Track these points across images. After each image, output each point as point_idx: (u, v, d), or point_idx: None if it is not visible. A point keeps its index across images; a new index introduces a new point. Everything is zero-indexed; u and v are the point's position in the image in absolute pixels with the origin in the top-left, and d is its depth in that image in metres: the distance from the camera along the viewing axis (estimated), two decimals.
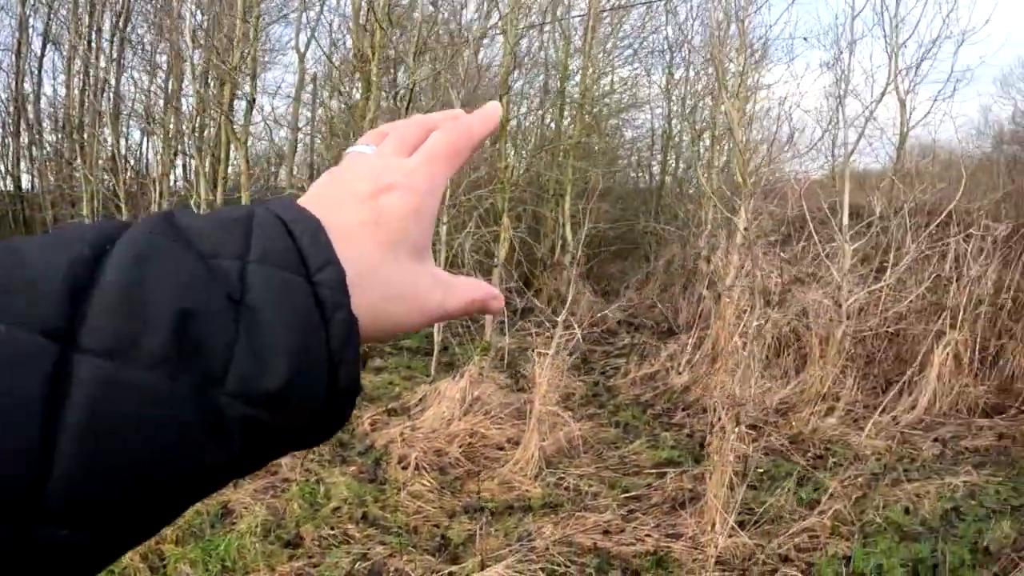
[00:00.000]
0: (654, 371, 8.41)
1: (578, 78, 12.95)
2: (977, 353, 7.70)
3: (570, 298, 7.30)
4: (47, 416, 0.37)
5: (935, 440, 6.72)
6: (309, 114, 13.73)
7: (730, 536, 4.53)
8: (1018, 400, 7.40)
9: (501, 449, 6.04)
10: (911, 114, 10.52)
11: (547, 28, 12.61)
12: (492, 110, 0.64)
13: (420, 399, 6.79)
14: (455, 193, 8.25)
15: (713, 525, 4.62)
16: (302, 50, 11.96)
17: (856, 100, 11.63)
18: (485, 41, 11.99)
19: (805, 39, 11.67)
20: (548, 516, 4.93)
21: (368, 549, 4.53)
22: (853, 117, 8.98)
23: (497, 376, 7.45)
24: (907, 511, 5.19)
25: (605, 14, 13.02)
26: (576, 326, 7.69)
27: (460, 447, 5.96)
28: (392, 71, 10.53)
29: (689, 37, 13.19)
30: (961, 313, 7.65)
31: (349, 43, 11.73)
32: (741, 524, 4.78)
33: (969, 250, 8.06)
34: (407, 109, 8.58)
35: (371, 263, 0.52)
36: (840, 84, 9.06)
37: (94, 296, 0.40)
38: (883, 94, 9.01)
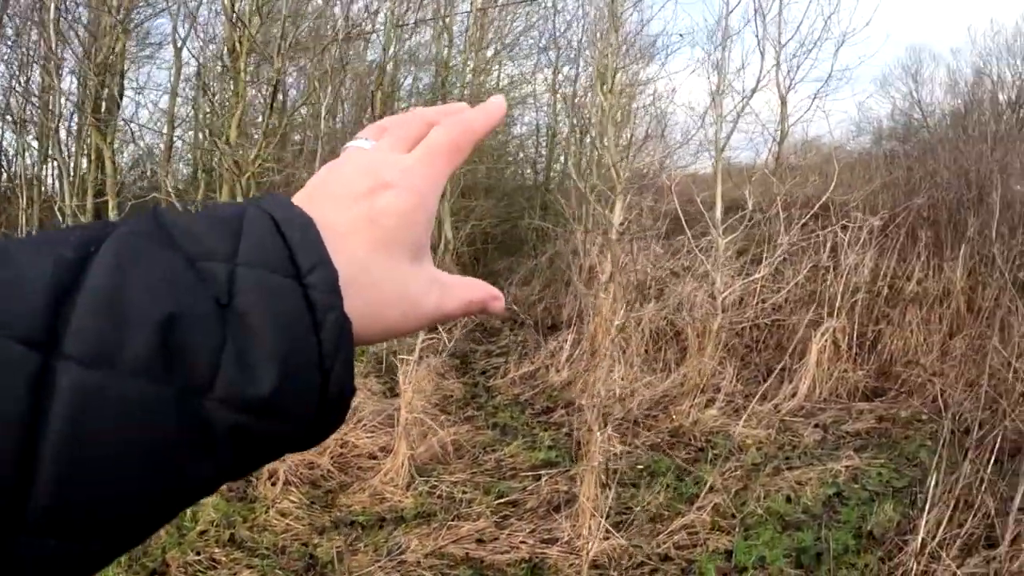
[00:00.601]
0: (534, 369, 8.28)
1: (463, 75, 12.75)
2: (855, 339, 7.85)
3: None
4: (29, 424, 0.37)
5: (816, 426, 6.79)
6: (192, 112, 13.12)
7: (605, 539, 4.38)
8: (897, 383, 7.56)
9: (374, 458, 5.81)
10: (791, 111, 10.68)
11: (433, 25, 12.36)
12: (496, 105, 0.62)
13: None
14: None
15: (588, 529, 4.42)
16: (179, 44, 11.36)
17: (733, 97, 11.81)
18: (374, 37, 11.66)
19: (681, 35, 11.83)
20: (420, 527, 4.75)
21: (234, 574, 4.30)
22: (728, 112, 9.05)
23: (370, 382, 7.15)
24: (789, 500, 5.17)
25: (492, 11, 12.86)
26: (459, 326, 7.48)
27: (332, 458, 5.71)
28: (260, 66, 10.12)
29: (575, 34, 13.18)
30: (838, 301, 7.75)
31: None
32: (618, 525, 4.67)
33: (846, 240, 8.20)
34: (270, 106, 8.20)
35: (365, 264, 0.51)
36: (717, 81, 9.14)
37: (78, 301, 0.39)
38: (754, 90, 9.16)
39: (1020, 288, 7.43)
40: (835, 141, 14.87)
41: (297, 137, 11.56)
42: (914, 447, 6.30)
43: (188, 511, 4.70)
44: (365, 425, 6.17)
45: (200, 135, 11.75)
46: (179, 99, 11.62)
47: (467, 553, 4.40)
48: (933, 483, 4.44)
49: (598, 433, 4.89)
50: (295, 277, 0.44)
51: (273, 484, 5.19)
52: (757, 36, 9.69)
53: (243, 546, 4.49)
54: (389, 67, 11.05)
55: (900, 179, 11.26)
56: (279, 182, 8.49)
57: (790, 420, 6.91)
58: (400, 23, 10.66)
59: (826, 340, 7.48)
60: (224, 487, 5.18)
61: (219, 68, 10.00)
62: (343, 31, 8.95)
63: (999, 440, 4.63)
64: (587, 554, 4.16)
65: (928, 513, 4.31)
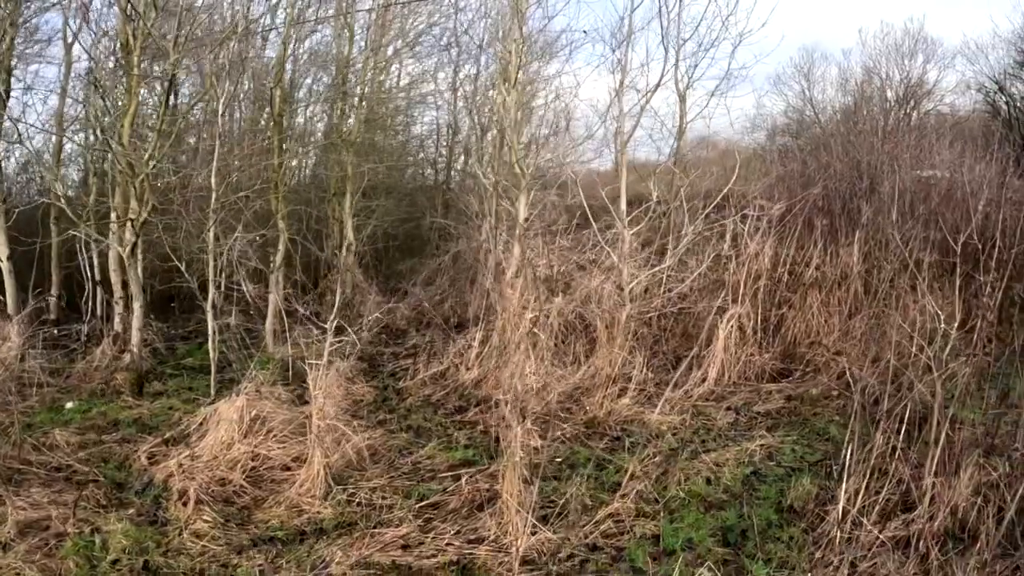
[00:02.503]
0: (444, 369, 8.20)
1: (363, 74, 12.52)
2: (759, 324, 8.05)
3: (337, 301, 6.85)
4: None
5: (728, 409, 6.96)
6: (83, 111, 12.43)
7: (533, 533, 4.33)
8: (802, 363, 7.82)
9: (288, 469, 5.60)
10: (689, 108, 10.87)
11: (333, 22, 12.09)
12: None
13: (200, 424, 6.18)
14: (223, 194, 7.64)
15: (514, 525, 4.37)
16: (70, 40, 10.73)
17: (636, 93, 11.97)
18: (273, 35, 11.31)
19: (584, 32, 11.92)
20: (342, 537, 4.59)
21: None
22: (632, 110, 9.17)
23: (278, 390, 6.93)
24: (708, 481, 5.26)
25: (394, 9, 12.67)
26: (365, 329, 7.35)
27: (243, 473, 5.47)
28: (154, 64, 9.69)
29: (477, 32, 13.14)
30: (741, 288, 7.92)
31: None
32: (544, 519, 4.65)
33: (746, 230, 8.39)
34: (165, 102, 7.87)
35: None
36: (620, 78, 9.22)
37: None
38: (656, 87, 9.29)
39: (912, 270, 7.74)
40: (732, 137, 15.30)
41: (192, 140, 11.14)
42: (823, 423, 6.54)
43: (97, 540, 4.43)
44: (276, 435, 5.93)
45: (92, 136, 11.17)
46: (69, 99, 11.03)
47: (394, 560, 4.27)
48: (848, 454, 4.58)
49: (517, 428, 4.84)
50: None
51: (184, 504, 4.92)
52: (662, 34, 9.85)
53: (159, 573, 4.25)
54: (288, 65, 10.76)
55: (796, 171, 11.63)
56: (175, 183, 8.15)
57: (702, 405, 7.06)
58: (300, 20, 10.40)
59: (731, 326, 7.66)
60: (133, 510, 4.92)
61: (111, 64, 9.53)
62: (241, 25, 8.67)
63: (907, 411, 4.80)
64: (517, 551, 4.10)
65: (846, 483, 4.44)
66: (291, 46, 10.37)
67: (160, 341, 9.21)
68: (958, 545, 4.18)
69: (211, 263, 7.60)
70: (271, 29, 10.45)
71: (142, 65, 8.10)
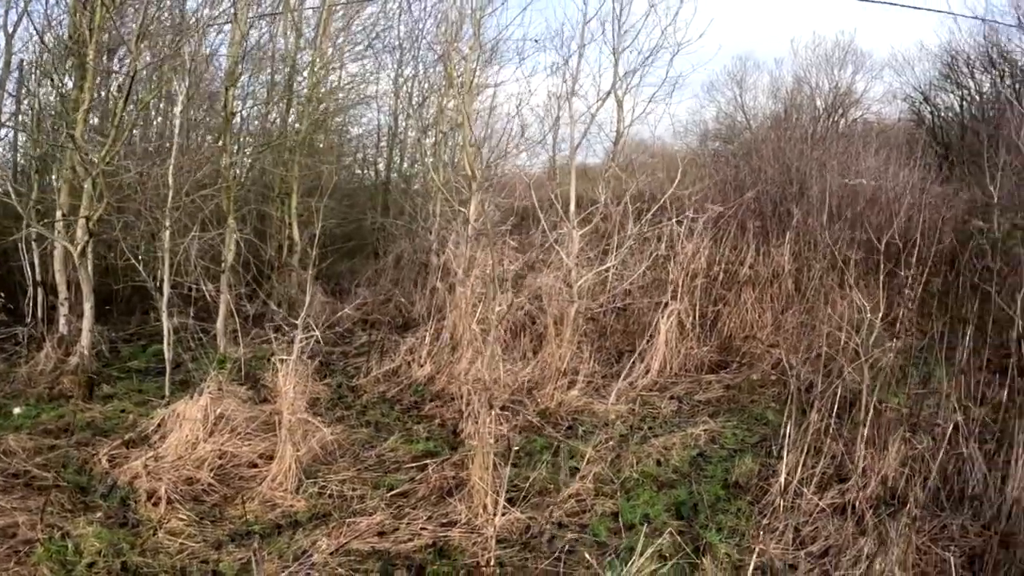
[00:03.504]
0: (396, 366, 8.40)
1: (307, 73, 12.54)
2: (698, 319, 8.47)
3: (308, 299, 7.05)
4: None
5: (671, 398, 7.38)
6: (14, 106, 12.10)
7: (503, 514, 4.61)
8: (738, 355, 8.27)
9: (255, 466, 5.73)
10: (628, 114, 11.22)
11: (277, 19, 12.07)
12: None
13: (158, 425, 6.26)
14: (178, 194, 7.69)
15: (485, 507, 4.66)
16: (10, 30, 10.49)
17: (581, 100, 12.28)
18: (213, 29, 11.24)
19: (535, 41, 12.17)
20: (319, 528, 4.76)
21: None
22: (578, 115, 9.48)
23: (238, 389, 7.06)
24: (659, 463, 5.64)
25: (339, 8, 12.71)
26: (320, 328, 7.50)
27: (211, 471, 5.57)
28: (108, 57, 9.60)
29: (423, 34, 13.25)
30: (680, 286, 8.33)
31: (67, 23, 10.39)
32: (511, 501, 4.91)
33: (683, 232, 8.82)
34: (126, 98, 7.84)
35: None
36: (567, 85, 9.53)
37: None
38: (608, 95, 9.59)
39: (840, 267, 8.30)
40: (667, 142, 15.73)
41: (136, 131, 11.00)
42: (761, 409, 7.02)
43: (70, 544, 4.46)
44: (240, 433, 6.06)
45: (36, 132, 10.96)
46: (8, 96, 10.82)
47: (372, 547, 4.48)
48: (785, 433, 5.03)
49: (486, 415, 5.14)
50: None
51: (155, 505, 5.01)
52: (612, 46, 10.19)
53: (138, 572, 4.35)
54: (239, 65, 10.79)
55: (729, 176, 12.15)
56: (132, 180, 8.11)
57: (647, 395, 7.47)
58: (255, 15, 10.42)
59: (671, 321, 8.08)
60: (100, 513, 4.94)
61: (53, 58, 9.39)
62: (205, 21, 8.66)
63: (837, 394, 5.29)
64: (493, 528, 4.40)
65: (786, 458, 4.90)
66: (244, 44, 10.38)
67: (104, 344, 9.14)
68: (889, 508, 4.66)
69: (166, 263, 7.64)
70: (227, 22, 10.39)
71: (98, 59, 8.04)
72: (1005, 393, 5.81)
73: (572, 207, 8.53)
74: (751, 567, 3.77)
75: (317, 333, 6.65)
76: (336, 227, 13.13)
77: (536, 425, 6.69)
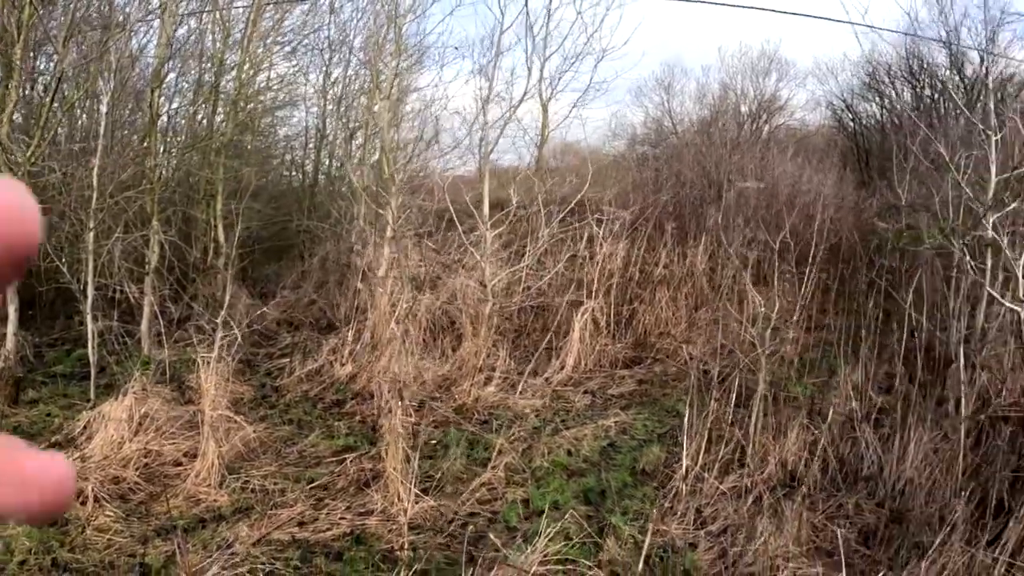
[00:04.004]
0: (319, 366, 8.50)
1: (234, 73, 12.45)
2: (613, 317, 8.76)
3: (227, 299, 7.13)
4: None
5: (585, 392, 7.65)
6: None
7: (416, 503, 4.80)
8: (652, 351, 8.57)
9: (179, 464, 5.83)
10: (552, 118, 11.48)
11: (205, 18, 11.98)
12: None
13: (84, 426, 6.30)
14: (102, 196, 7.68)
15: (399, 497, 4.85)
16: None
17: (502, 105, 12.51)
18: (140, 27, 11.10)
19: (456, 48, 12.36)
20: (241, 521, 4.90)
21: None
22: (496, 120, 9.67)
23: (162, 390, 7.11)
24: (570, 453, 5.88)
25: (268, 7, 12.65)
26: (236, 328, 7.56)
27: (137, 470, 5.65)
28: (35, 56, 9.46)
29: (350, 37, 13.29)
30: (595, 285, 8.61)
31: None
32: (425, 491, 5.13)
33: (601, 232, 9.10)
34: (52, 97, 7.78)
35: None
36: (487, 90, 9.72)
37: None
38: (521, 100, 9.83)
39: (752, 268, 8.69)
40: (592, 145, 16.03)
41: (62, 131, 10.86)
42: (672, 402, 7.33)
43: (1, 544, 4.52)
44: (164, 432, 6.14)
45: None
46: None
47: (292, 536, 4.65)
48: (687, 422, 5.33)
49: (398, 408, 5.32)
50: None
51: (83, 503, 5.07)
52: (526, 52, 10.42)
53: (69, 568, 4.43)
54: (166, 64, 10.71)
55: (649, 179, 12.51)
56: (56, 182, 8.05)
57: (561, 389, 7.74)
58: (183, 13, 10.36)
59: (586, 319, 8.37)
60: None
61: None
62: (133, 19, 8.59)
63: (737, 385, 5.61)
64: (406, 514, 4.60)
65: (686, 446, 5.19)
66: (172, 45, 10.34)
67: (29, 349, 9.05)
68: (786, 489, 5.01)
69: (90, 265, 7.63)
70: (154, 18, 10.31)
71: (25, 57, 7.96)
72: (897, 381, 6.21)
73: (486, 209, 8.74)
74: (646, 545, 4.02)
75: (237, 332, 6.73)
76: (262, 229, 13.06)
77: (453, 420, 6.89)
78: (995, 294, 5.14)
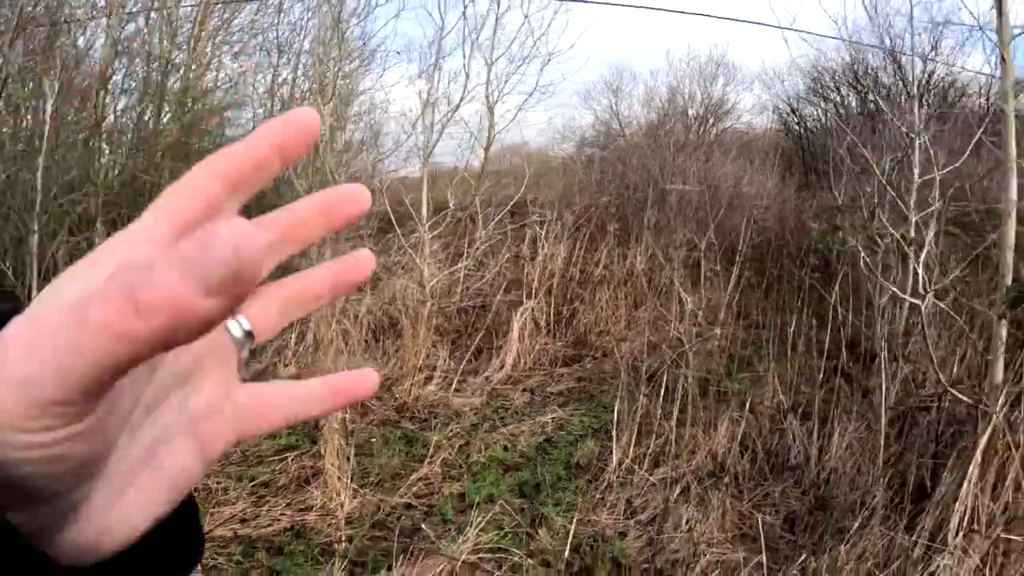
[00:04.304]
0: (263, 368, 8.52)
1: (181, 72, 12.31)
2: (553, 317, 8.92)
3: None
4: None
5: (524, 390, 7.78)
6: None
7: (354, 498, 4.90)
8: (591, 350, 8.75)
9: None
10: (497, 120, 11.58)
11: (152, 17, 11.85)
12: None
13: None
14: (47, 198, 7.63)
15: (338, 492, 4.95)
16: None
17: (440, 108, 12.58)
18: (87, 26, 10.92)
19: (398, 53, 12.38)
20: None
21: None
22: (437, 121, 9.77)
23: None
24: (506, 448, 6.03)
25: (217, 6, 12.53)
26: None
27: None
28: None
29: (300, 38, 13.26)
30: (536, 285, 8.76)
31: None
32: (363, 486, 5.22)
33: (543, 233, 9.26)
34: None
35: None
36: (427, 93, 9.82)
37: None
38: (459, 104, 9.93)
39: (691, 268, 8.92)
40: (542, 147, 16.15)
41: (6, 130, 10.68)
42: (608, 399, 7.47)
43: None
44: None
45: None
46: None
47: (234, 532, 4.73)
48: (616, 416, 5.52)
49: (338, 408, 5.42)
50: None
51: None
52: (464, 56, 10.51)
53: None
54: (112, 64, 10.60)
55: (594, 180, 12.69)
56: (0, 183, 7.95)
57: (500, 388, 7.88)
58: (129, 11, 10.27)
59: (526, 318, 8.53)
60: None
61: None
62: (81, 16, 8.48)
63: (667, 381, 5.80)
64: (343, 509, 4.70)
65: (615, 439, 5.37)
66: (117, 45, 10.24)
67: None
68: (713, 479, 5.23)
69: (34, 268, 7.59)
70: (101, 17, 10.20)
71: None
72: (824, 375, 6.45)
73: (424, 211, 8.86)
74: (570, 534, 4.16)
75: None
76: None
77: (393, 419, 6.99)
78: (894, 288, 5.33)
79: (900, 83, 16.90)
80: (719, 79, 24.03)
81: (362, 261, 0.52)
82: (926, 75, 15.77)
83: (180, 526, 0.43)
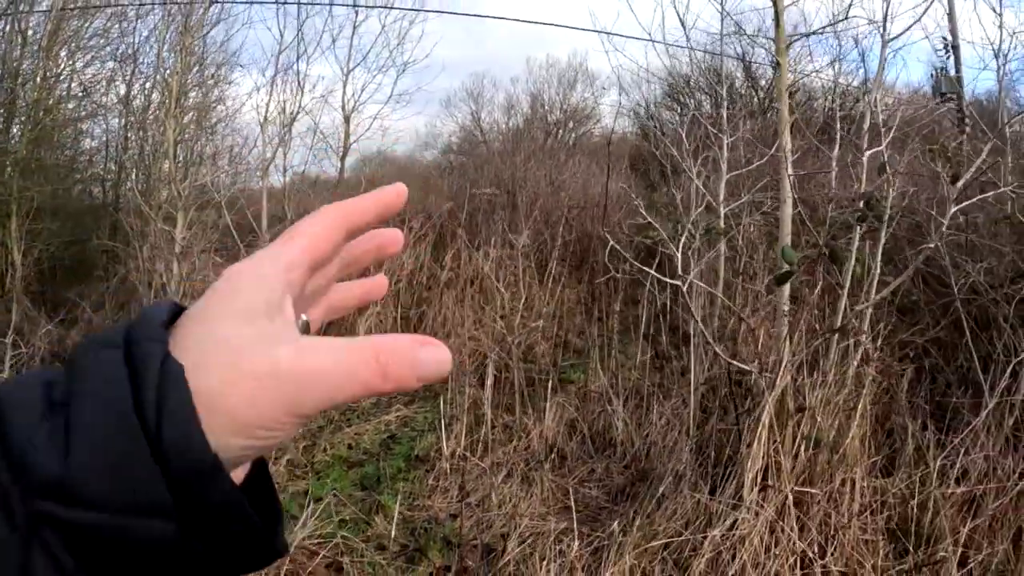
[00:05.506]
0: None
1: (34, 82, 11.84)
2: (400, 320, 9.23)
3: (13, 320, 7.11)
4: None
5: None
6: None
7: None
8: None
9: None
10: (354, 129, 11.80)
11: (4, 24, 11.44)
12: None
13: None
14: None
15: None
16: None
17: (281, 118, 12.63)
18: None
19: (242, 66, 12.45)
20: None
21: None
22: (275, 135, 9.92)
23: None
24: (350, 447, 6.36)
25: (72, 14, 12.12)
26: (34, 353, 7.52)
27: None
28: None
29: (154, 48, 13.06)
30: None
31: None
32: None
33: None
34: None
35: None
36: (262, 109, 10.03)
37: None
38: (295, 116, 10.13)
39: (538, 267, 9.42)
40: (406, 154, 16.41)
41: None
42: (451, 395, 7.86)
43: None
44: None
45: None
46: None
47: None
48: (444, 408, 5.97)
49: None
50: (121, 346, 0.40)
51: None
52: (297, 72, 10.69)
53: None
54: None
55: (449, 186, 13.08)
56: None
57: None
58: None
59: (370, 323, 8.82)
60: None
61: None
62: None
63: (493, 372, 6.27)
64: None
65: (443, 430, 5.90)
66: None
67: None
68: (538, 460, 5.73)
69: None
70: None
71: None
72: (644, 356, 7.03)
73: (264, 223, 9.06)
74: (394, 521, 4.52)
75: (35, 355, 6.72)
76: (63, 249, 12.63)
77: None
78: (658, 275, 5.78)
79: (752, 89, 17.94)
80: (578, 85, 24.81)
81: (380, 283, 0.71)
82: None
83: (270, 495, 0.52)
